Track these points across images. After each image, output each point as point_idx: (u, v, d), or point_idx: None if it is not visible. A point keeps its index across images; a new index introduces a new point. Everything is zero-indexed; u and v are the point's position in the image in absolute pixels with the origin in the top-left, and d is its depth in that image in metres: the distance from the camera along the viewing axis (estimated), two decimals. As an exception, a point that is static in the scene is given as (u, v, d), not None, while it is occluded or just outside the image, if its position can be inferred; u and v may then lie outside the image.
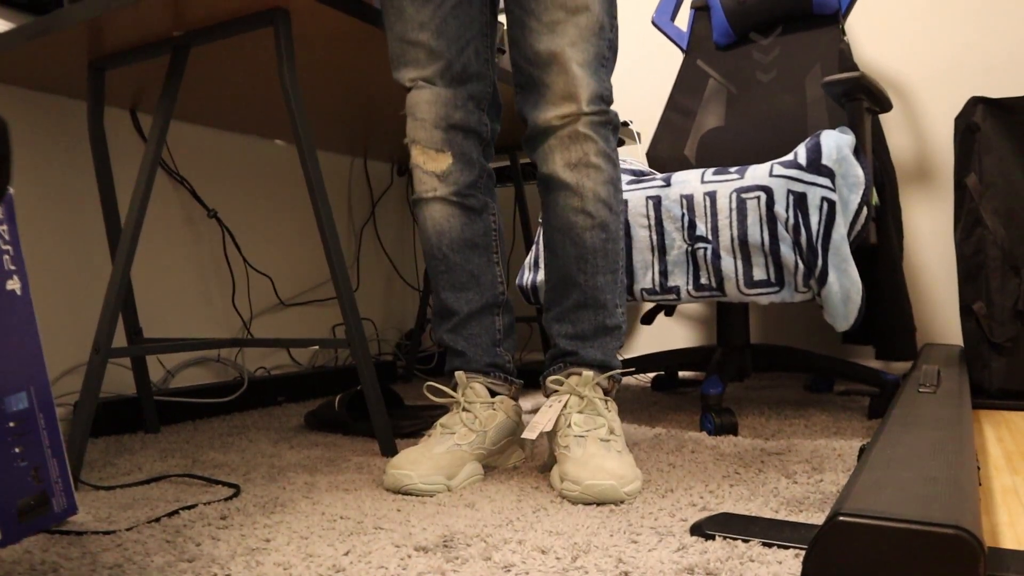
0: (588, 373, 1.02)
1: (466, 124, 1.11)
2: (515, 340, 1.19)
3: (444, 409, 1.46)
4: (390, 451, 1.18)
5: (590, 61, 1.01)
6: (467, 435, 1.04)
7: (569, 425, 0.98)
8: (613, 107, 1.07)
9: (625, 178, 1.43)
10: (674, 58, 2.16)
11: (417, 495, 0.96)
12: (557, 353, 1.09)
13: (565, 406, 1.02)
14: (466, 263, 1.13)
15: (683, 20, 2.12)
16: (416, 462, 0.98)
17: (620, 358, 1.11)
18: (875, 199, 1.37)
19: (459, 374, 1.11)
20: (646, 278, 1.33)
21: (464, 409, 1.07)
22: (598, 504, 0.88)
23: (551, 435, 1.04)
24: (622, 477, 0.89)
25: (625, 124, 2.02)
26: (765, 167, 1.24)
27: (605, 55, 1.04)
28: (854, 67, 1.58)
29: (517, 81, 1.08)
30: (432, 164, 1.11)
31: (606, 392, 1.08)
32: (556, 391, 1.05)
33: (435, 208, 1.12)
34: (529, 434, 0.99)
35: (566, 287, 1.06)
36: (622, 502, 0.88)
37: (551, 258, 1.09)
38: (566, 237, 1.05)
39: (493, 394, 1.13)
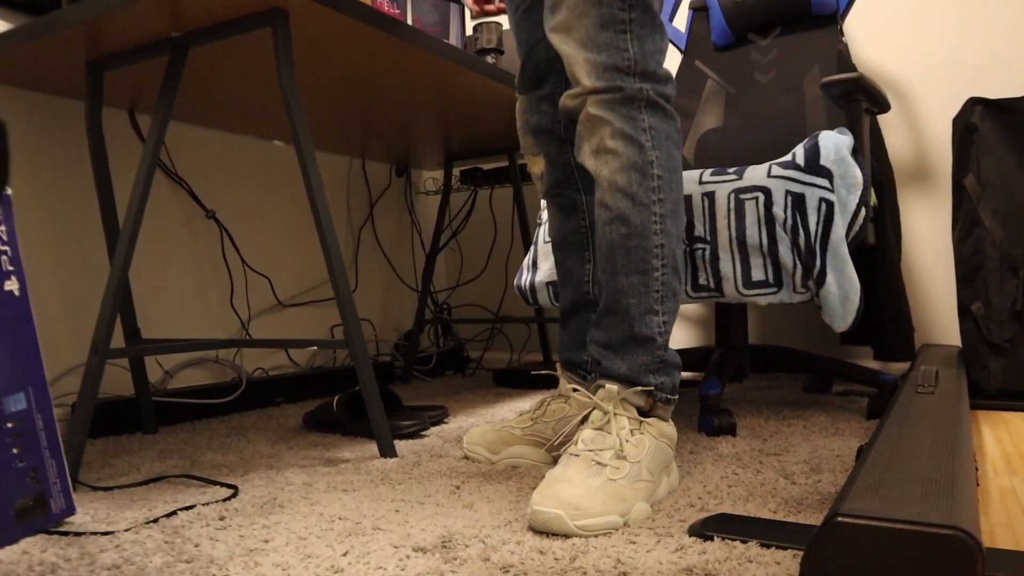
0: (612, 387, 0.92)
1: (540, 126, 1.16)
2: None
3: (443, 409, 1.46)
4: (388, 452, 1.18)
5: (591, 33, 0.91)
6: (523, 421, 1.12)
7: (576, 441, 0.90)
8: (648, 76, 0.93)
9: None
10: (672, 59, 2.16)
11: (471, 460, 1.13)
12: (593, 361, 1.01)
13: (586, 419, 0.94)
14: (563, 260, 1.18)
15: (681, 21, 2.12)
16: (473, 432, 1.15)
17: (663, 377, 0.95)
18: (873, 200, 1.37)
19: (558, 365, 1.20)
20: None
21: (554, 398, 1.16)
22: (546, 534, 0.78)
23: None
24: (577, 508, 0.78)
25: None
26: (763, 168, 1.24)
27: (619, 18, 0.91)
28: (852, 68, 1.58)
29: None
30: (534, 167, 1.19)
31: (644, 413, 0.93)
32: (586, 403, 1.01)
33: (547, 208, 1.21)
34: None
35: (600, 289, 0.98)
36: (571, 536, 0.77)
37: None
38: (597, 233, 0.97)
39: (576, 390, 1.16)
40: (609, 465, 0.85)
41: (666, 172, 0.94)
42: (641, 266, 0.93)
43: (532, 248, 1.50)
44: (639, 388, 0.92)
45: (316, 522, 0.85)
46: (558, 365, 1.20)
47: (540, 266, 1.45)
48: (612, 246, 0.94)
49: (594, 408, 0.92)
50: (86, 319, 1.56)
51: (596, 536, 0.77)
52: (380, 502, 0.92)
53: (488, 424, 1.16)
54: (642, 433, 0.90)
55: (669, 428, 0.95)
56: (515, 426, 1.12)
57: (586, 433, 0.89)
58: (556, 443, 1.09)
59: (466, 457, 1.15)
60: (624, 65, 0.91)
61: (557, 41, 0.95)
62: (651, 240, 0.93)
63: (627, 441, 0.88)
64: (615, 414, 0.90)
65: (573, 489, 0.80)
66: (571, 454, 0.88)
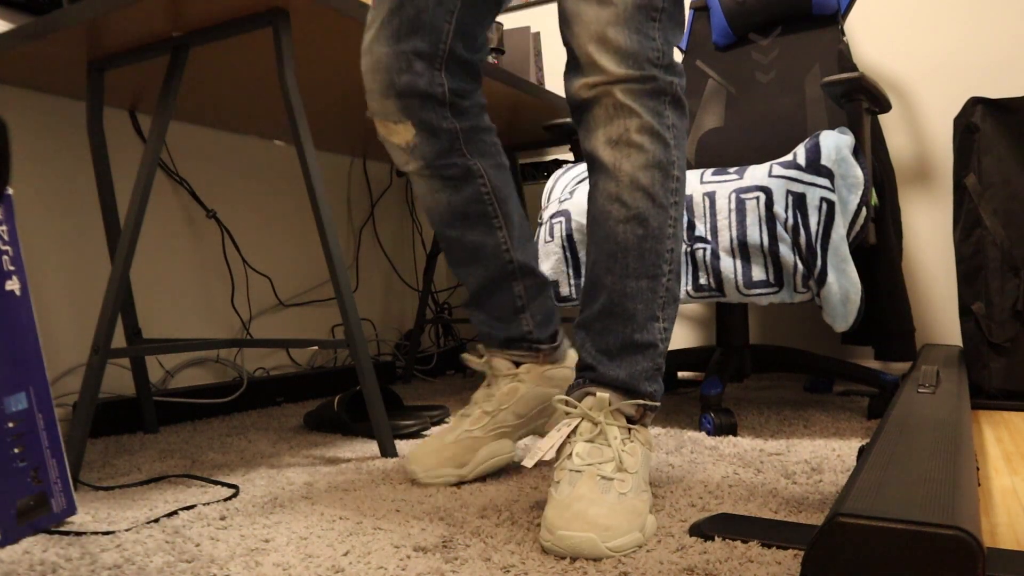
0: (604, 395, 0.84)
1: (414, 88, 0.96)
2: (547, 301, 1.08)
3: (444, 409, 1.46)
4: (389, 452, 1.18)
5: (623, 14, 0.83)
6: (480, 419, 1.03)
7: (570, 456, 0.82)
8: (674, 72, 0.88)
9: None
10: (673, 58, 2.16)
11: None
12: (579, 366, 0.91)
13: (574, 432, 0.85)
14: (462, 237, 1.04)
15: (682, 21, 2.12)
16: (424, 456, 1.01)
17: (656, 385, 0.89)
18: (874, 199, 1.37)
19: (482, 348, 1.08)
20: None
21: (487, 384, 1.07)
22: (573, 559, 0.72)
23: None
24: (607, 529, 0.72)
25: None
26: (764, 167, 1.24)
27: (654, 4, 0.84)
28: (853, 67, 1.58)
29: None
30: (395, 136, 1.00)
31: (632, 421, 0.87)
32: (568, 412, 0.88)
33: (418, 183, 1.03)
34: (527, 462, 0.87)
35: (594, 288, 0.89)
36: (602, 558, 0.71)
37: (587, 252, 0.93)
38: (600, 228, 0.89)
39: (519, 364, 1.07)
40: (615, 479, 0.79)
41: (682, 173, 0.89)
42: (652, 271, 0.87)
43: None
44: (635, 402, 0.86)
45: (317, 522, 0.85)
46: (481, 347, 1.09)
47: (540, 266, 1.45)
48: (625, 247, 0.87)
49: (583, 419, 0.85)
50: (87, 319, 1.56)
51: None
52: (381, 502, 0.92)
53: (431, 440, 1.03)
54: (632, 441, 0.84)
55: (650, 434, 0.91)
56: (473, 428, 1.03)
57: (580, 446, 0.82)
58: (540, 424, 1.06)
59: (417, 483, 1.03)
60: (653, 56, 0.85)
61: (581, 14, 0.85)
62: (664, 244, 0.88)
63: (623, 451, 0.82)
64: (606, 424, 0.84)
65: (597, 508, 0.74)
66: (571, 470, 0.80)
